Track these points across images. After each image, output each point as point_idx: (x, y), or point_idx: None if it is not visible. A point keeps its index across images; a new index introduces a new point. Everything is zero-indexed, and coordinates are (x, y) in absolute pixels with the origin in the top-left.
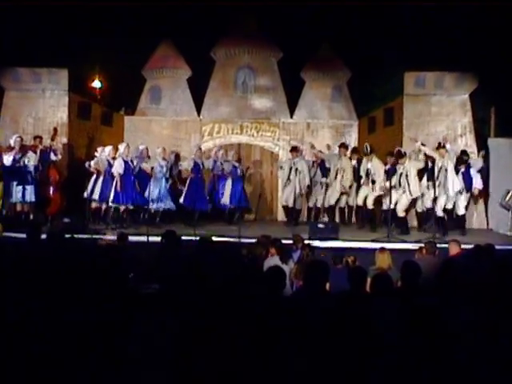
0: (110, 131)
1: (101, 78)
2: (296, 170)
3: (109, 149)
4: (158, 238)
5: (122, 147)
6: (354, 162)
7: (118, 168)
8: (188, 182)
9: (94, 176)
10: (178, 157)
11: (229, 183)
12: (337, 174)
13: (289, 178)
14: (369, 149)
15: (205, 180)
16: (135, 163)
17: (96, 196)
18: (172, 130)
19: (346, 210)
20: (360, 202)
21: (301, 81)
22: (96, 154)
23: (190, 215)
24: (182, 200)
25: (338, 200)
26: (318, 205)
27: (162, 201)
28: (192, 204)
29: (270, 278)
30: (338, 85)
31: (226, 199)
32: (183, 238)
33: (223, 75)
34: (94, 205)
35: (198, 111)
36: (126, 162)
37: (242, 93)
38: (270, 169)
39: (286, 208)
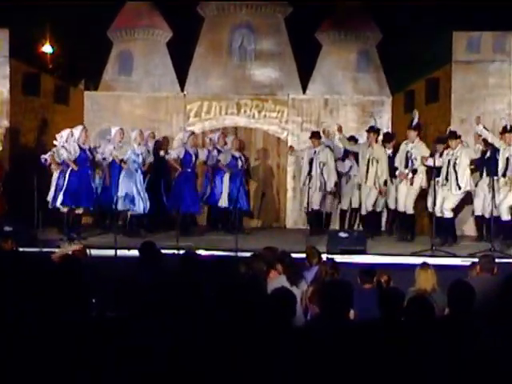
0: (65, 111)
1: (53, 40)
2: (320, 163)
3: (65, 134)
4: (130, 252)
5: (76, 131)
6: (390, 151)
7: (66, 157)
8: (176, 176)
9: (56, 174)
10: (159, 143)
11: (226, 179)
12: (368, 168)
13: (309, 174)
14: (416, 119)
15: (197, 175)
16: (105, 151)
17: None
18: (147, 109)
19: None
20: (401, 205)
21: (316, 44)
22: (55, 142)
23: (176, 221)
24: (164, 200)
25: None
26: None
27: (134, 201)
28: (176, 206)
29: (275, 303)
30: (364, 49)
31: (223, 200)
32: (164, 251)
33: (214, 37)
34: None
35: (182, 85)
36: (82, 151)
37: (238, 60)
38: (277, 160)
39: (310, 213)
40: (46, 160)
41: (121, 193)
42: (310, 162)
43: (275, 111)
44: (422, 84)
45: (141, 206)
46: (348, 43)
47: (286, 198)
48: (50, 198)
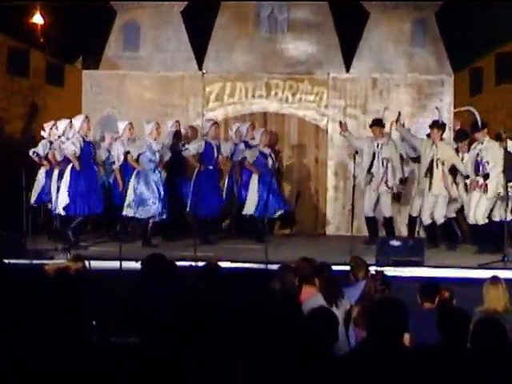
0: (60, 94)
1: (44, 9)
2: (383, 159)
3: (63, 125)
4: (138, 264)
5: (77, 121)
6: (465, 154)
7: (71, 151)
8: (195, 175)
9: (43, 170)
10: (178, 135)
11: (254, 181)
12: (432, 169)
13: (370, 172)
14: (478, 117)
15: (222, 172)
16: (114, 152)
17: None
18: (158, 91)
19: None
20: (471, 217)
21: (362, 12)
22: (43, 133)
23: (193, 226)
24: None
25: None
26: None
27: (147, 206)
28: (196, 210)
29: (313, 327)
30: (421, 18)
31: (250, 206)
32: (179, 263)
33: (238, 5)
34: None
35: (200, 62)
36: (86, 145)
37: (268, 32)
38: (314, 153)
39: (370, 219)
40: (38, 155)
41: (131, 197)
42: (373, 158)
43: (312, 93)
44: (491, 59)
45: (157, 210)
46: (401, 11)
47: (327, 199)
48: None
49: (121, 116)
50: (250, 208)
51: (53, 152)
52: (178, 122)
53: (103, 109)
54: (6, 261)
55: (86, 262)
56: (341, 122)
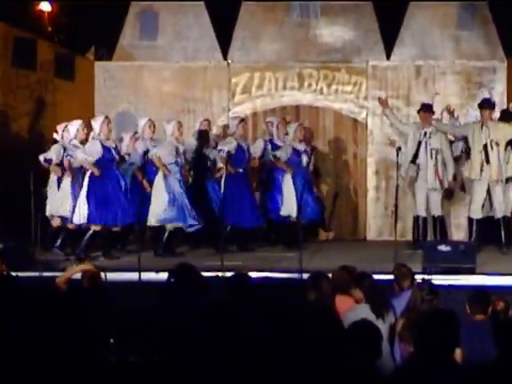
0: (70, 88)
1: None
2: (432, 150)
3: (75, 127)
4: (159, 275)
5: (96, 123)
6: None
7: (82, 160)
8: (224, 181)
9: (55, 177)
10: (204, 135)
11: (288, 182)
12: (488, 156)
13: (415, 162)
14: None
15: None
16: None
17: (65, 212)
18: (179, 84)
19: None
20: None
21: None
22: (55, 136)
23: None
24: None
25: None
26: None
27: (172, 214)
28: (229, 218)
29: (355, 342)
30: None
31: (286, 208)
32: (204, 274)
33: None
34: (55, 222)
35: (225, 51)
36: (106, 150)
37: (299, 17)
38: (353, 149)
39: (421, 220)
40: (48, 161)
41: (157, 205)
42: (418, 147)
43: (350, 84)
44: None
45: (185, 220)
46: None
47: (367, 201)
48: (65, 211)
49: (137, 112)
50: (289, 210)
51: (68, 159)
52: (207, 120)
53: (118, 104)
54: (14, 273)
55: (102, 274)
56: (380, 98)
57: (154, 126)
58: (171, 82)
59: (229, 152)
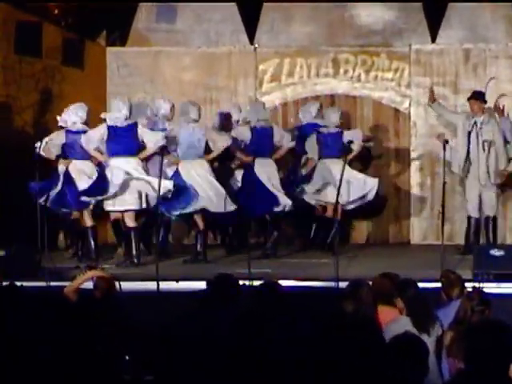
0: (79, 77)
1: None
2: (484, 141)
3: (79, 110)
4: (180, 284)
5: (116, 105)
6: None
7: (88, 143)
8: (245, 170)
9: (63, 168)
10: (223, 117)
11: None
12: None
13: (468, 159)
14: None
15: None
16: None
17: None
18: (201, 71)
19: None
20: None
21: None
22: (60, 120)
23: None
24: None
25: None
26: None
27: (189, 202)
28: (249, 209)
29: (398, 357)
30: None
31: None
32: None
33: None
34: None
35: (251, 35)
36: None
37: None
38: (394, 142)
39: (473, 221)
40: (40, 149)
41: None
42: (468, 138)
43: (391, 70)
44: None
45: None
46: None
47: (410, 200)
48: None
49: (154, 103)
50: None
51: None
52: (228, 114)
53: (133, 94)
54: (18, 283)
55: (117, 283)
56: (430, 88)
57: (174, 110)
58: (192, 69)
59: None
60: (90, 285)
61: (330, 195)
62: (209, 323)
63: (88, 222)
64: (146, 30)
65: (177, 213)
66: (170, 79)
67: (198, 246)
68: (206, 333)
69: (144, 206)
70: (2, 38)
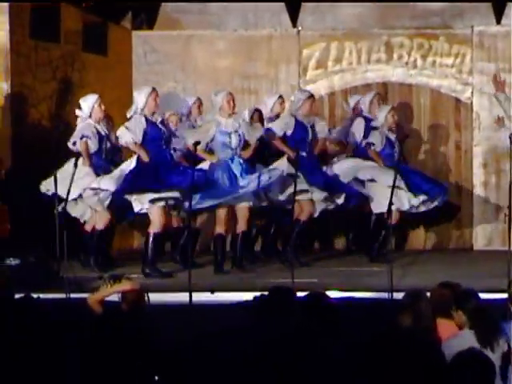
0: (102, 64)
1: None
2: None
3: (91, 100)
4: (215, 296)
5: (141, 95)
6: None
7: (129, 142)
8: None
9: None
10: (258, 113)
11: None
12: None
13: None
14: None
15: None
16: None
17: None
18: (236, 58)
19: None
20: None
21: None
22: (79, 113)
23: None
24: None
25: None
26: None
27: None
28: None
29: (461, 376)
30: None
31: (380, 203)
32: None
33: None
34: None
35: (294, 17)
36: (152, 126)
37: None
38: (455, 136)
39: None
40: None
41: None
42: None
43: (451, 55)
44: None
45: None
46: None
47: (473, 201)
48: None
49: (186, 93)
50: (381, 205)
51: (85, 140)
52: (259, 111)
53: (162, 84)
54: (35, 295)
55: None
56: (496, 76)
57: (202, 106)
58: (227, 55)
59: (284, 131)
60: (115, 295)
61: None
62: (257, 339)
63: (100, 223)
64: (175, 11)
65: (206, 205)
66: (202, 66)
67: (238, 252)
68: (251, 349)
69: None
70: (16, 22)
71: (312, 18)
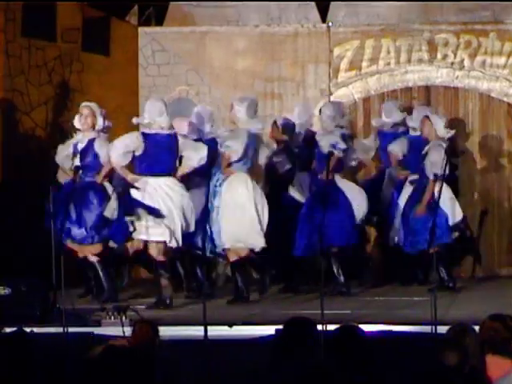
0: (104, 66)
1: None
2: None
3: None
4: (234, 330)
5: (152, 107)
6: None
7: (116, 155)
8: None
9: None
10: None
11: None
12: None
13: None
14: None
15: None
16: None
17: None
18: (258, 57)
19: None
20: None
21: None
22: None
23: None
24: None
25: None
26: None
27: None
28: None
29: None
30: None
31: (396, 232)
32: None
33: None
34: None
35: (323, 11)
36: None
37: None
38: (508, 148)
39: None
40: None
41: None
42: None
43: (502, 54)
44: None
45: (258, 241)
46: None
47: None
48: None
49: (200, 98)
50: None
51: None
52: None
53: (172, 87)
54: (28, 329)
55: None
56: None
57: (212, 116)
58: (247, 54)
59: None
60: (116, 329)
61: None
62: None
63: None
64: (188, 4)
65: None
66: (219, 67)
67: (265, 283)
68: None
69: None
70: (6, 18)
71: (344, 11)
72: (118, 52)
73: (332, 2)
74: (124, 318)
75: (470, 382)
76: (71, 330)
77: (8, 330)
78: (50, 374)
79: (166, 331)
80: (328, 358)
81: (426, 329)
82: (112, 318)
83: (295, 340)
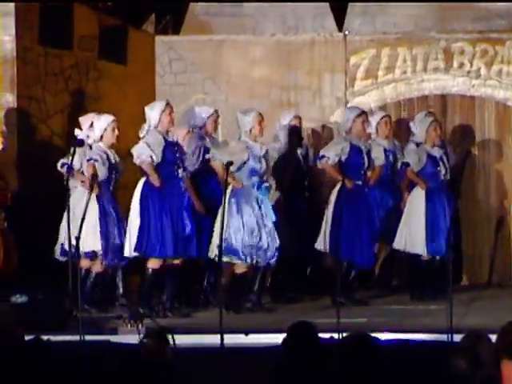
0: (121, 74)
1: None
2: None
3: (104, 123)
4: (249, 338)
5: (154, 111)
6: None
7: (144, 157)
8: (334, 198)
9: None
10: (298, 135)
11: (419, 200)
12: None
13: None
14: None
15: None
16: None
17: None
18: (274, 66)
19: None
20: None
21: None
22: (78, 133)
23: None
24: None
25: None
26: None
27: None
28: (340, 251)
29: None
30: None
31: (416, 242)
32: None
33: None
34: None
35: (340, 20)
36: (168, 148)
37: None
38: None
39: None
40: (69, 167)
41: (231, 234)
42: None
43: None
44: None
45: (268, 253)
46: None
47: None
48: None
49: (216, 106)
50: (417, 244)
51: (91, 163)
52: (298, 117)
53: (189, 95)
54: (45, 337)
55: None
56: None
57: (219, 119)
58: (264, 63)
59: (339, 158)
60: (133, 337)
61: None
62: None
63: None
64: (205, 13)
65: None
66: (235, 76)
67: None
68: None
69: None
70: (23, 26)
71: (360, 20)
72: (134, 60)
73: (348, 11)
74: (140, 325)
75: None
76: (88, 337)
77: (25, 338)
78: (66, 382)
79: (181, 339)
80: (337, 366)
81: (442, 337)
82: (129, 325)
83: (297, 345)
